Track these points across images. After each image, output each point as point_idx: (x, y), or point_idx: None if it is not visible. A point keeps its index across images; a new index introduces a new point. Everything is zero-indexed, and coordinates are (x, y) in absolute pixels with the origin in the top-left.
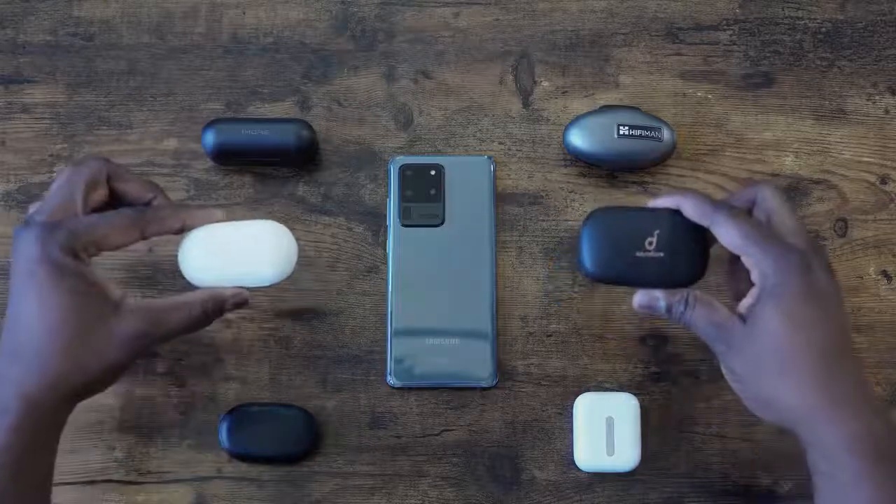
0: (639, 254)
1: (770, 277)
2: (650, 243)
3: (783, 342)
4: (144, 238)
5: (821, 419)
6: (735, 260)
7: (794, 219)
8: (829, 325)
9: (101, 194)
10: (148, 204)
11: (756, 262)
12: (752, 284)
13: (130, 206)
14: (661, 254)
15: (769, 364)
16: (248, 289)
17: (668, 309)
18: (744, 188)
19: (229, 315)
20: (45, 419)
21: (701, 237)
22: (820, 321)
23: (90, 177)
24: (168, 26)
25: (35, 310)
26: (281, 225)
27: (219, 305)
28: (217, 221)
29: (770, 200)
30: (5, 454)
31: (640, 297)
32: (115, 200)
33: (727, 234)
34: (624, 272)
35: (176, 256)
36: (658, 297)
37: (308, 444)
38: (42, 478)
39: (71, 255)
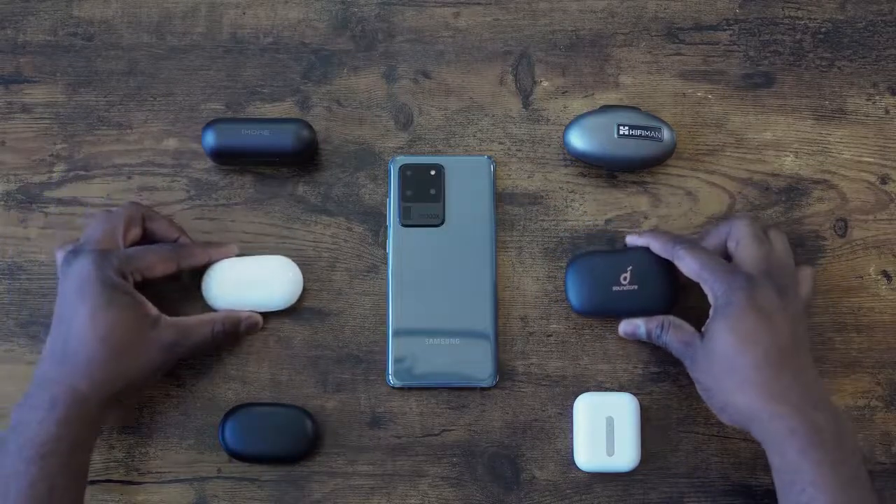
0: (615, 288)
1: (720, 298)
2: (624, 278)
3: (730, 352)
4: (179, 269)
5: (765, 416)
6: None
7: (757, 248)
8: (771, 336)
9: (136, 232)
10: (175, 241)
11: (710, 287)
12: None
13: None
14: (635, 287)
15: (721, 373)
16: (259, 314)
17: (648, 334)
18: (722, 222)
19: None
20: (88, 417)
21: (669, 270)
22: (762, 333)
23: (129, 216)
24: (168, 26)
25: (87, 322)
26: (289, 259)
27: (234, 324)
28: (234, 255)
29: (741, 231)
30: (55, 443)
31: (623, 326)
32: (144, 239)
33: (686, 265)
34: (604, 305)
35: (200, 286)
36: (638, 325)
37: (308, 444)
38: (83, 473)
39: (122, 277)
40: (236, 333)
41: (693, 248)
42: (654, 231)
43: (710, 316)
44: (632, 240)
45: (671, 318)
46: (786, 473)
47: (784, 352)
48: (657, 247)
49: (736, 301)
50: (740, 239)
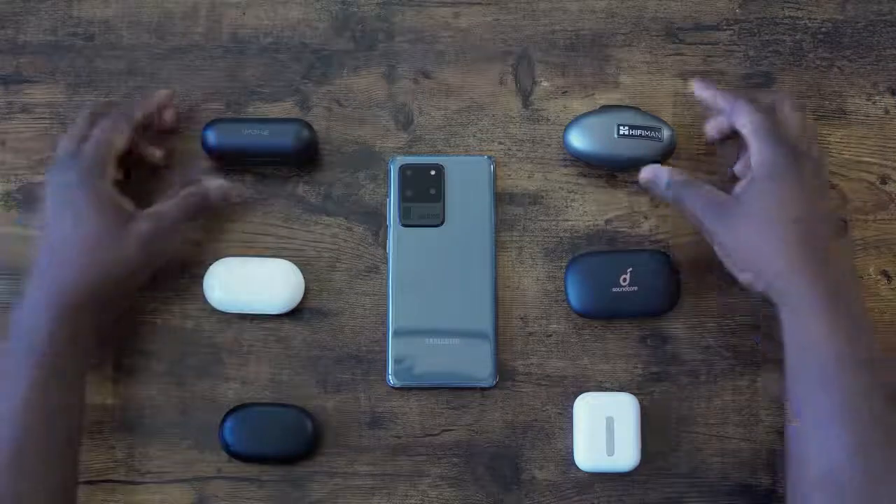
0: (615, 290)
1: (765, 165)
2: (624, 280)
3: (768, 215)
4: (136, 129)
5: (794, 274)
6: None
7: (801, 126)
8: (807, 206)
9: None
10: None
11: (758, 150)
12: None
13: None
14: (635, 288)
15: (756, 235)
16: (260, 316)
17: (669, 185)
18: (766, 92)
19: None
20: (78, 330)
21: (669, 271)
22: (800, 202)
23: (84, 117)
24: (168, 26)
25: (64, 224)
26: (292, 263)
27: (203, 196)
28: (166, 98)
29: (785, 106)
30: (52, 357)
31: (644, 172)
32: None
33: (743, 121)
34: (604, 307)
35: (202, 285)
36: (661, 173)
37: (308, 444)
38: (74, 423)
39: (96, 175)
40: (209, 206)
41: (754, 108)
42: (711, 83)
43: (751, 179)
44: (699, 88)
45: (699, 175)
46: (798, 314)
47: (817, 223)
48: (708, 96)
49: (780, 170)
50: (787, 113)
